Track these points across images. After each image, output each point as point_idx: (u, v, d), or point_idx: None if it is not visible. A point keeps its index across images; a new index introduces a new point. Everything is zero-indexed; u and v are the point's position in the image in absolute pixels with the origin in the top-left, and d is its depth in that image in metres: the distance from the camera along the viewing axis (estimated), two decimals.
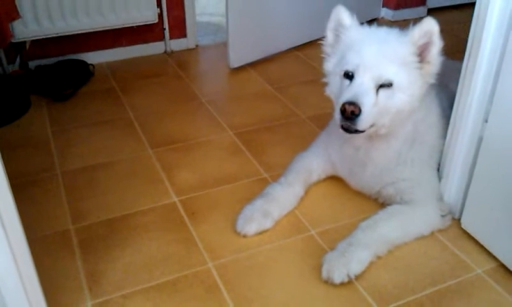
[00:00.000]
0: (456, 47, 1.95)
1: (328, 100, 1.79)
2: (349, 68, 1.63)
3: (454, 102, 1.74)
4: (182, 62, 3.22)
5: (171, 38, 3.30)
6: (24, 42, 2.86)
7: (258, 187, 1.95)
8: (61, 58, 3.01)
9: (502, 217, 1.60)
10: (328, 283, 1.56)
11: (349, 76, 1.64)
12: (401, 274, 1.61)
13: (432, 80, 1.68)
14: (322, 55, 1.81)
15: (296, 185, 1.91)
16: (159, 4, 3.13)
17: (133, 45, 3.22)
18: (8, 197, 1.11)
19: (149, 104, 2.69)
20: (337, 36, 1.75)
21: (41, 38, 2.84)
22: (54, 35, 2.87)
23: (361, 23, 1.76)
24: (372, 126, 1.63)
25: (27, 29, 2.78)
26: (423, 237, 1.75)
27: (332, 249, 1.65)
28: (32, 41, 2.87)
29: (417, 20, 1.64)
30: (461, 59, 1.68)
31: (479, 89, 1.63)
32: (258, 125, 2.48)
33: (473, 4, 1.61)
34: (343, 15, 1.73)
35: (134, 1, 2.99)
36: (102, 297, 1.54)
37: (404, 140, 1.77)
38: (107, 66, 3.11)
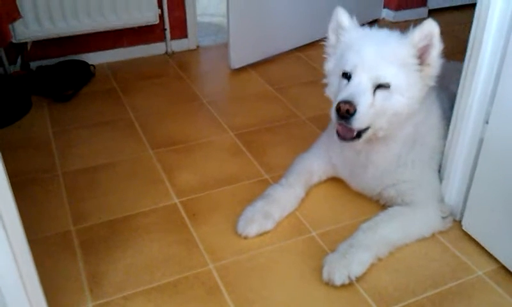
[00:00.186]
0: (456, 48, 1.95)
1: (328, 101, 1.79)
2: (347, 68, 1.63)
3: (455, 103, 1.74)
4: (183, 63, 3.22)
5: (172, 39, 3.30)
6: (25, 43, 2.86)
7: (259, 188, 1.95)
8: (62, 59, 3.02)
9: (503, 218, 1.60)
10: (329, 284, 1.56)
11: (347, 76, 1.64)
12: (402, 276, 1.61)
13: (432, 83, 1.67)
14: (324, 56, 1.81)
15: (297, 186, 1.91)
16: (160, 5, 3.13)
17: (134, 45, 3.22)
18: (8, 197, 1.11)
19: (150, 105, 2.69)
20: (338, 37, 1.75)
21: (42, 38, 2.85)
22: (55, 36, 2.87)
23: (362, 25, 1.76)
24: (368, 128, 1.63)
25: (28, 29, 2.78)
26: (424, 239, 1.74)
27: (333, 250, 1.65)
28: (34, 42, 2.87)
29: (418, 22, 1.63)
30: (462, 60, 1.68)
31: (480, 91, 1.62)
32: (259, 126, 2.48)
33: (474, 5, 1.61)
34: (342, 17, 1.73)
35: (135, 2, 2.99)
36: (103, 299, 1.54)
37: (404, 142, 1.76)
38: (108, 67, 3.11)
